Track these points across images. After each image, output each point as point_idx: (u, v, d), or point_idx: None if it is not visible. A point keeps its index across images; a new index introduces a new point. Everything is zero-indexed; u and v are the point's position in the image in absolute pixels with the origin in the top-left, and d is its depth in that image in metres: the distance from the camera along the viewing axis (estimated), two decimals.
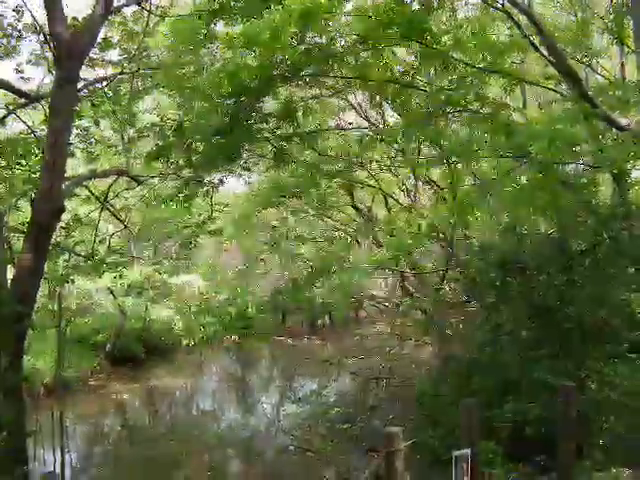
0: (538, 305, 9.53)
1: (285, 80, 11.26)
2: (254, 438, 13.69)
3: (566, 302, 9.19)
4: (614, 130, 10.28)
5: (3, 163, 12.69)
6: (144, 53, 13.80)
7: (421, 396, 11.38)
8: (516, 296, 10.08)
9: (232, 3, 10.65)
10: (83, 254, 14.36)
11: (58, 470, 11.18)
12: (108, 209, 15.59)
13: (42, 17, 10.51)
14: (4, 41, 12.16)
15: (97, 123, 14.17)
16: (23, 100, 12.34)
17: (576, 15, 14.68)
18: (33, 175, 12.09)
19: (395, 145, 14.53)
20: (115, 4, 11.05)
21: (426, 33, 9.89)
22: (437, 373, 12.83)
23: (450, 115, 11.93)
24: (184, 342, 26.04)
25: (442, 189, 14.95)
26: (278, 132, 12.77)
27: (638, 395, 7.96)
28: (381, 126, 16.34)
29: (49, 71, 12.69)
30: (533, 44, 10.44)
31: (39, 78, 12.80)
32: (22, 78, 12.53)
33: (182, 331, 25.99)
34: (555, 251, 9.77)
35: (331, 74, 12.02)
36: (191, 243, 20.58)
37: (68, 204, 13.46)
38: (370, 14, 9.99)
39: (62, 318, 16.09)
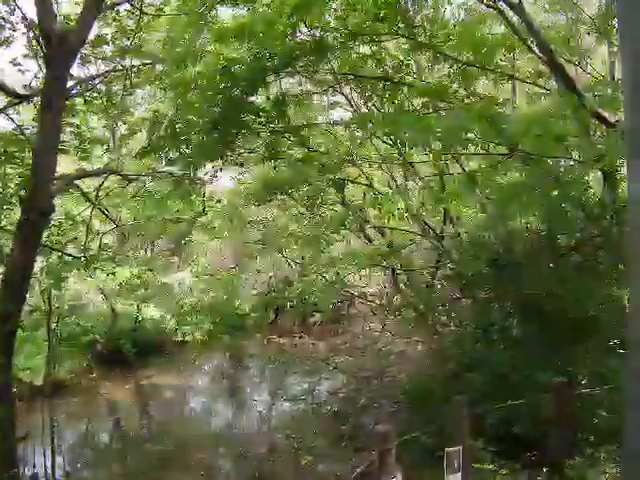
0: (528, 301, 9.56)
1: (277, 73, 11.28)
2: (245, 437, 13.67)
3: (556, 298, 9.23)
4: (604, 127, 10.33)
5: None
6: (137, 50, 13.71)
7: (412, 393, 11.40)
8: (507, 292, 10.11)
9: None
10: (74, 253, 14.27)
11: (49, 472, 11.13)
12: (99, 208, 15.50)
13: (33, 13, 10.43)
14: None
15: (86, 123, 14.10)
16: (13, 99, 12.26)
17: (566, 15, 14.74)
18: (24, 174, 11.99)
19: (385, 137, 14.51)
20: (108, 2, 11.03)
21: (414, 27, 9.93)
22: (428, 370, 12.85)
23: (439, 109, 11.94)
24: (175, 341, 25.97)
25: (429, 183, 14.91)
26: (270, 126, 12.80)
27: None
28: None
29: (40, 68, 12.61)
30: (524, 40, 10.48)
31: (35, 71, 12.56)
32: (20, 71, 12.41)
33: (174, 330, 25.92)
34: (545, 247, 9.81)
35: (323, 68, 12.06)
36: (183, 241, 20.53)
37: (61, 203, 13.48)
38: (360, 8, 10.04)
39: (52, 318, 16.02)
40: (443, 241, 14.86)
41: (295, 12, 9.69)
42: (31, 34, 11.84)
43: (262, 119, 12.57)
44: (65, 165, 15.52)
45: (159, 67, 13.95)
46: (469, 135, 9.99)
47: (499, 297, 10.55)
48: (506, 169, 10.89)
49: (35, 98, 12.01)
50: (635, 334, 1.89)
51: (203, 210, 17.99)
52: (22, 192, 10.78)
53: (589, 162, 9.98)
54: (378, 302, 22.92)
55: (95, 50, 13.30)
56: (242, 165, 16.20)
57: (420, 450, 8.79)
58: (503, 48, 11.16)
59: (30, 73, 12.54)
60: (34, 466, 11.51)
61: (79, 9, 10.57)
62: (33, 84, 12.55)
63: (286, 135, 13.78)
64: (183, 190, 14.82)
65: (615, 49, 12.85)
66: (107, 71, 13.59)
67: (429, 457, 8.14)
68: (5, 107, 12.48)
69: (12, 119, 12.81)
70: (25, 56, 12.69)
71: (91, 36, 11.89)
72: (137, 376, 20.51)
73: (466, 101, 11.12)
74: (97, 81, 13.49)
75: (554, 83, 11.42)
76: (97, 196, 15.00)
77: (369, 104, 15.00)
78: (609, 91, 10.70)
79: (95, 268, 14.54)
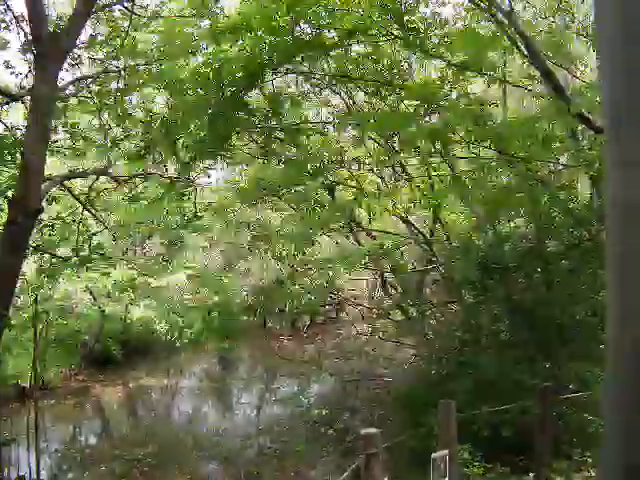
0: (517, 306, 9.59)
1: (273, 70, 11.27)
2: (233, 439, 13.63)
3: (544, 302, 9.26)
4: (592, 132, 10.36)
5: None
6: (131, 50, 13.66)
7: (400, 397, 11.41)
8: (495, 297, 10.13)
9: None
10: (62, 255, 14.18)
11: (34, 475, 11.04)
12: (89, 210, 15.41)
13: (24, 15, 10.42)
14: None
15: (77, 125, 14.04)
16: (4, 98, 12.21)
17: (554, 20, 14.78)
18: (15, 175, 11.92)
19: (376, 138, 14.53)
20: (100, 3, 10.99)
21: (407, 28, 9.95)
22: (416, 374, 12.87)
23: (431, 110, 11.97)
24: (165, 343, 25.87)
25: (418, 184, 14.90)
26: (263, 125, 12.80)
27: None
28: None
29: (30, 69, 12.55)
30: (514, 43, 10.50)
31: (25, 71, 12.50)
32: (12, 73, 12.39)
33: (163, 332, 25.81)
34: (533, 251, 9.84)
35: (318, 68, 12.07)
36: (175, 243, 20.42)
37: (52, 204, 13.40)
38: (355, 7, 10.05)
39: (39, 319, 15.90)
40: (432, 245, 14.86)
41: (292, 7, 9.66)
42: (22, 34, 11.81)
43: (256, 118, 12.56)
44: (56, 166, 15.48)
45: (154, 68, 13.88)
46: (455, 136, 10.02)
47: (488, 301, 10.56)
48: (494, 172, 10.92)
49: (26, 98, 11.95)
50: (613, 337, 1.90)
51: (195, 214, 17.89)
52: (10, 192, 10.72)
53: (577, 166, 10.02)
54: (367, 306, 22.94)
55: (88, 51, 13.26)
56: (235, 165, 16.18)
57: (407, 454, 8.81)
58: (495, 49, 11.17)
59: (21, 73, 12.52)
60: (18, 469, 11.43)
61: (71, 9, 10.56)
62: (24, 84, 12.54)
63: (279, 135, 13.77)
64: (175, 192, 14.77)
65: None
66: (100, 71, 13.52)
67: (416, 461, 8.14)
68: None
69: (1, 121, 12.75)
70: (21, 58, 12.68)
71: (84, 37, 11.89)
72: (127, 377, 20.44)
73: (457, 102, 11.12)
74: (90, 81, 13.42)
75: (544, 87, 11.45)
76: (88, 197, 14.92)
77: (362, 104, 15.03)
78: (597, 96, 10.73)
79: (87, 268, 14.45)
